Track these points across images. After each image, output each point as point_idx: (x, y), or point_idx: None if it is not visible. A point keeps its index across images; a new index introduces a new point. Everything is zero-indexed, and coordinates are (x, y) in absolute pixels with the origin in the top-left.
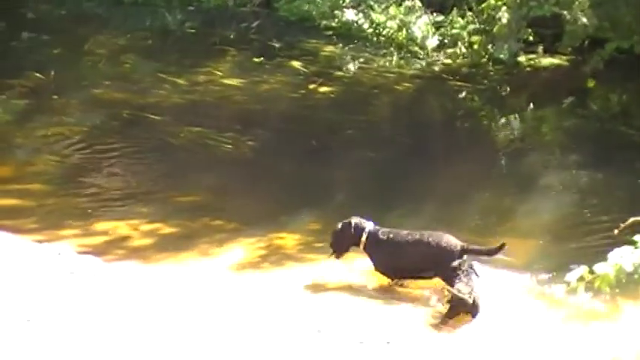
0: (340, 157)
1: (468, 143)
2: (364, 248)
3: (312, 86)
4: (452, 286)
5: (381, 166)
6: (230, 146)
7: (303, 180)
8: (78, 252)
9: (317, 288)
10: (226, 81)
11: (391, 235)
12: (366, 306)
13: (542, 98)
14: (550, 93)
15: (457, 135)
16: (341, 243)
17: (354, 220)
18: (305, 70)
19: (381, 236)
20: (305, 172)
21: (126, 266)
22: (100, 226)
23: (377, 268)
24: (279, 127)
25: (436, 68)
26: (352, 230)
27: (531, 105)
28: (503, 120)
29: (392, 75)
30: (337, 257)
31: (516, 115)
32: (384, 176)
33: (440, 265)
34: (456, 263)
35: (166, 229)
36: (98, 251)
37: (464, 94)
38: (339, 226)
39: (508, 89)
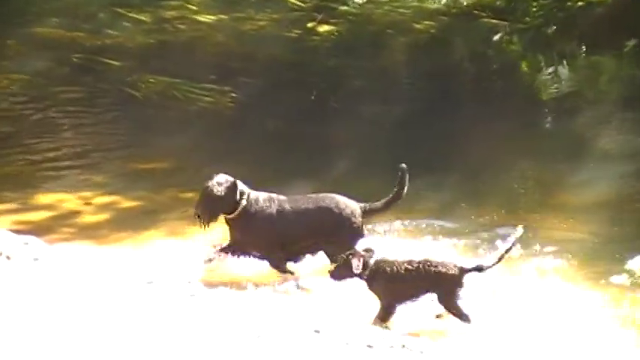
0: (344, 114)
1: (503, 97)
2: (238, 217)
3: (310, 24)
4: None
5: (395, 126)
6: (206, 100)
7: (297, 143)
8: (14, 231)
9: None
10: (201, 18)
11: (276, 202)
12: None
13: (598, 40)
14: (607, 34)
15: (490, 87)
16: (213, 207)
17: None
18: (301, 4)
19: (262, 203)
20: (300, 133)
21: (74, 248)
22: (43, 198)
23: (256, 246)
24: (269, 76)
25: (464, 2)
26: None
27: (583, 49)
28: (548, 68)
29: (409, 11)
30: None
31: (565, 62)
32: (398, 138)
33: (336, 232)
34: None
35: (125, 203)
36: (40, 230)
37: (499, 34)
38: (216, 184)
39: (555, 29)
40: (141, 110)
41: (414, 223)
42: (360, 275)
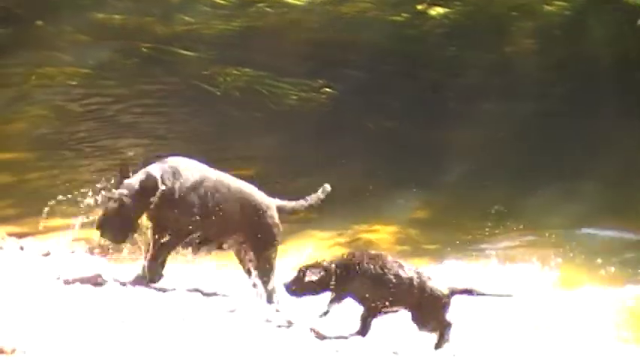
0: (461, 113)
1: None
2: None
3: (419, 7)
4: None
5: (521, 126)
6: (296, 96)
7: (405, 147)
8: (72, 250)
9: None
10: (291, 0)
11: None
12: None
13: None
14: None
15: (634, 77)
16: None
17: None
18: None
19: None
20: (409, 134)
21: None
22: None
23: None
24: (371, 68)
25: None
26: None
27: None
28: None
29: None
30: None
31: None
32: (525, 141)
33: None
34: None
35: None
36: (103, 248)
37: None
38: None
39: None
40: (219, 108)
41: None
42: (322, 288)
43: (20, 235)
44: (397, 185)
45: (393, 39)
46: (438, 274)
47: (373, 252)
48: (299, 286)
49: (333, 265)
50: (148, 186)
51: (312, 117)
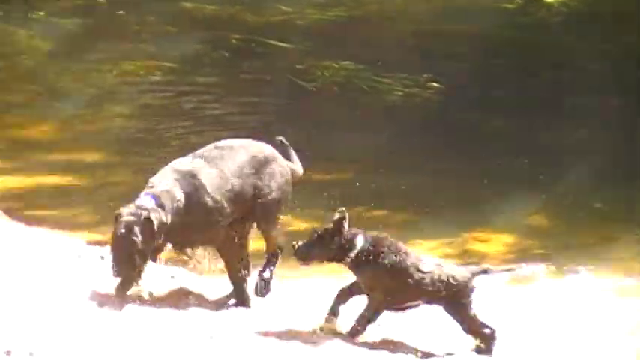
0: (580, 109)
1: None
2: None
3: None
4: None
5: None
6: (399, 92)
7: (519, 146)
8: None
9: None
10: None
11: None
12: None
13: None
14: None
15: None
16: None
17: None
18: None
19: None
20: (523, 133)
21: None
22: None
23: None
24: (481, 60)
25: None
26: None
27: None
28: None
29: None
30: None
31: None
32: None
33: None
34: None
35: (297, 224)
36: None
37: None
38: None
39: None
40: (315, 105)
41: None
42: (340, 257)
43: (101, 244)
44: (510, 188)
45: (504, 28)
46: (569, 288)
47: (393, 240)
48: (307, 252)
49: (360, 238)
50: (146, 229)
51: (417, 114)
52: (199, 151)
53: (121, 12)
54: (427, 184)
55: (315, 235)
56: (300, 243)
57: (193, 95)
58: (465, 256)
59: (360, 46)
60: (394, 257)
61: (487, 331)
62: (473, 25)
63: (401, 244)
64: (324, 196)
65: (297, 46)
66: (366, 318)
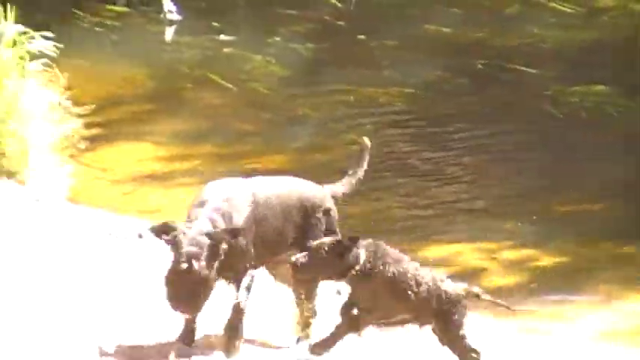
0: None
1: None
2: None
3: None
4: None
5: None
6: None
7: None
8: None
9: None
10: None
11: None
12: None
13: None
14: None
15: None
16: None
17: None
18: None
19: None
20: None
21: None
22: (435, 250)
23: None
24: None
25: None
26: None
27: None
28: None
29: None
30: None
31: None
32: None
33: None
34: None
35: (545, 258)
36: None
37: None
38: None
39: None
40: (563, 133)
41: None
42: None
43: None
44: None
45: None
46: None
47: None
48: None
49: (362, 251)
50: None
51: None
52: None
53: (361, 36)
54: None
55: (322, 250)
56: (302, 258)
57: (435, 123)
58: None
59: (609, 70)
60: (397, 268)
61: (474, 355)
62: None
63: (399, 253)
64: (571, 230)
65: (544, 71)
66: (339, 336)
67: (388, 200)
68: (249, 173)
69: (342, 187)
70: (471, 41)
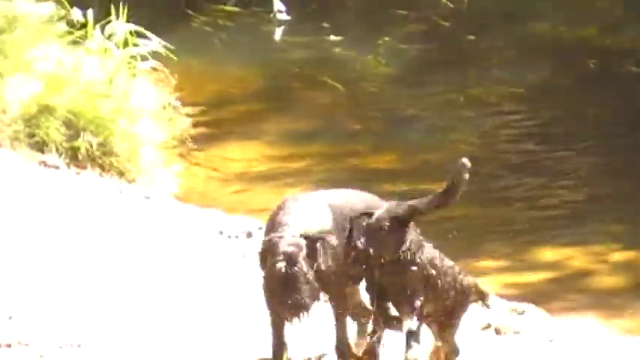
0: None
1: None
2: None
3: None
4: None
5: None
6: None
7: None
8: (503, 296)
9: None
10: None
11: None
12: None
13: None
14: None
15: None
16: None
17: None
18: None
19: None
20: None
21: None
22: (544, 254)
23: None
24: None
25: None
26: None
27: None
28: None
29: None
30: None
31: None
32: None
33: None
34: None
35: None
36: (538, 295)
37: None
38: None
39: None
40: None
41: None
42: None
43: None
44: None
45: None
46: None
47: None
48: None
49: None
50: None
51: None
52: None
53: (470, 37)
54: None
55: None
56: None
57: (544, 124)
58: None
59: None
60: (431, 251)
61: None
62: None
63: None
64: None
65: None
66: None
67: (496, 203)
68: (358, 173)
69: (406, 206)
70: (581, 40)
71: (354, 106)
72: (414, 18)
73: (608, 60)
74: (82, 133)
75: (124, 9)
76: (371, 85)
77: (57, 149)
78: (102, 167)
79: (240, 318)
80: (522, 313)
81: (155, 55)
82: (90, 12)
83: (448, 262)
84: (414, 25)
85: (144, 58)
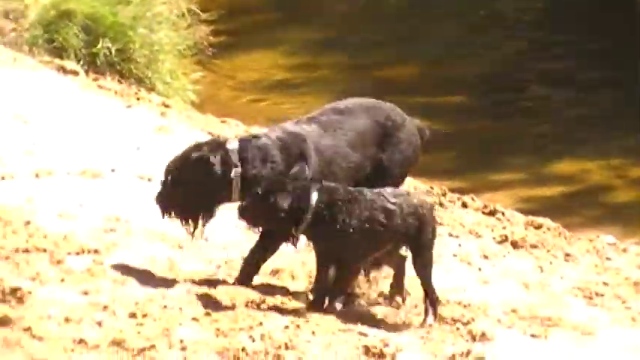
0: None
1: None
2: None
3: None
4: None
5: None
6: None
7: None
8: (520, 210)
9: None
10: None
11: None
12: None
13: None
14: None
15: None
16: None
17: None
18: None
19: None
20: None
21: None
22: (561, 167)
23: None
24: None
25: None
26: None
27: None
28: None
29: None
30: None
31: None
32: None
33: None
34: None
35: None
36: (553, 210)
37: None
38: None
39: None
40: None
41: None
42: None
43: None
44: None
45: None
46: None
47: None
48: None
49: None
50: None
51: None
52: (315, 113)
53: None
54: None
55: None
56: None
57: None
58: None
59: None
60: (355, 206)
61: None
62: None
63: (347, 187)
64: None
65: None
66: (337, 290)
67: (517, 116)
68: (376, 83)
69: None
70: None
71: (374, 17)
72: None
73: None
74: (100, 40)
75: None
76: None
77: (75, 55)
78: (121, 74)
79: None
80: (539, 227)
81: None
82: None
83: (394, 199)
84: None
85: None
